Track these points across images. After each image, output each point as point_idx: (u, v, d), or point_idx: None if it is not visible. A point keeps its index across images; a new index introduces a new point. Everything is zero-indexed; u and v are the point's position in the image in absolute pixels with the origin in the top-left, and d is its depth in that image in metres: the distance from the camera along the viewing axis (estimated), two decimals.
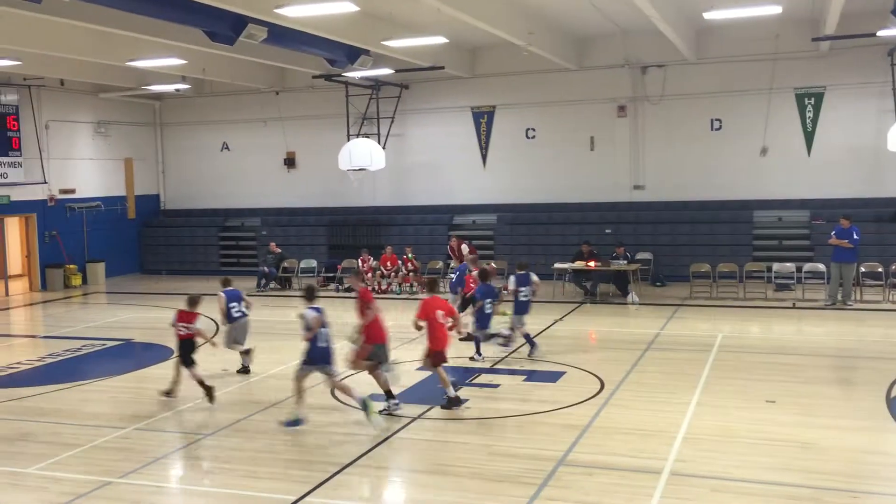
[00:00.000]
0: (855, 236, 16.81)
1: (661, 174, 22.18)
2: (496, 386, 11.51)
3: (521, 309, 13.20)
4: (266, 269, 22.13)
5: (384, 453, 8.94)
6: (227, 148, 26.46)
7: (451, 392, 10.32)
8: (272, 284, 22.19)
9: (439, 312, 10.33)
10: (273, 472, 8.36)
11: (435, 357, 10.36)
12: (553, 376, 11.88)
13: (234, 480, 8.22)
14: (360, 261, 21.37)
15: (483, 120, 23.85)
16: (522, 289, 13.17)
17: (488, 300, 12.65)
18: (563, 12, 18.71)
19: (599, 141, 22.70)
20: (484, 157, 23.90)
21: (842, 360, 12.95)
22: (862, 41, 18.14)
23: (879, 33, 16.33)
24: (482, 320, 12.71)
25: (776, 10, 14.93)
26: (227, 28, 14.73)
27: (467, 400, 10.55)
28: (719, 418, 9.73)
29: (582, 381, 11.59)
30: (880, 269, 18.04)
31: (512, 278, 13.44)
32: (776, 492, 7.54)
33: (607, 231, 21.62)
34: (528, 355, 13.05)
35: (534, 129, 23.31)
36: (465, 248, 20.41)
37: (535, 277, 13.38)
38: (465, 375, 12.09)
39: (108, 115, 25.52)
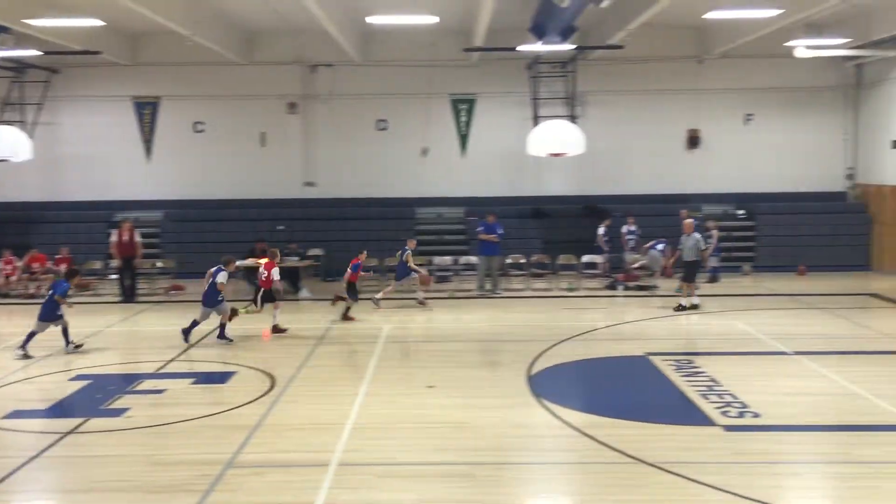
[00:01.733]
0: (499, 231, 18.62)
1: (332, 171, 22.70)
2: (161, 391, 10.97)
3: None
4: None
5: (31, 475, 8.10)
6: None
7: None
8: None
9: None
10: None
11: None
12: (223, 377, 11.62)
13: None
14: (1, 262, 19.10)
15: (147, 111, 22.61)
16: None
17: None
18: (232, 4, 18.33)
19: (271, 137, 22.64)
20: (148, 150, 22.68)
21: (492, 344, 14.21)
22: (507, 54, 20.06)
23: (519, 48, 18.17)
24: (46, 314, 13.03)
25: (433, 20, 15.98)
26: None
27: None
28: (385, 406, 10.21)
29: (253, 379, 11.48)
30: (523, 261, 20.13)
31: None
32: (436, 471, 8.09)
33: (280, 228, 21.61)
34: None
35: (202, 123, 22.59)
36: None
37: (221, 278, 13.98)
38: (126, 382, 11.38)
39: None
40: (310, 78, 22.40)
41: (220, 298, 13.95)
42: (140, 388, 11.19)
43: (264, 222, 21.77)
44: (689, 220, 17.21)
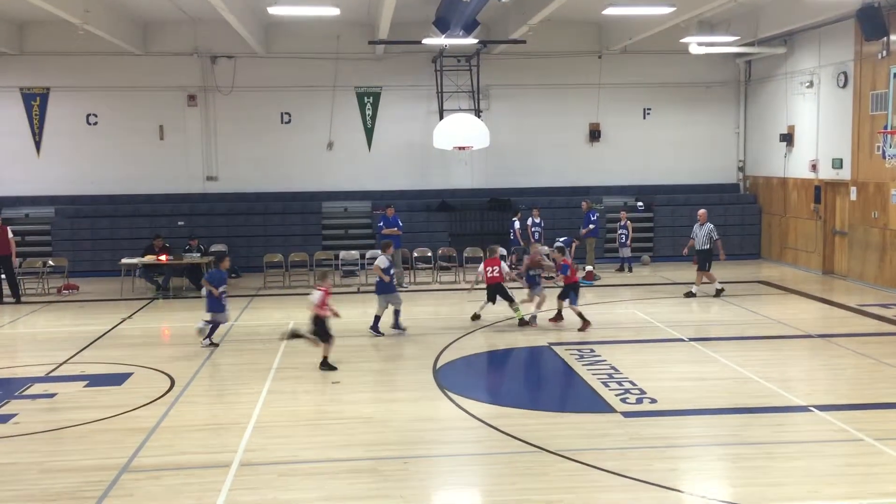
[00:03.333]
0: (399, 223, 18.62)
1: (235, 165, 22.23)
2: (52, 395, 10.52)
3: None
4: None
5: None
6: None
7: None
8: None
9: None
10: None
11: None
12: (119, 379, 11.21)
13: None
14: None
15: (35, 102, 21.61)
16: None
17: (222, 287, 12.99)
18: None
19: (169, 130, 21.99)
20: (38, 144, 21.69)
21: (399, 338, 14.13)
22: (412, 47, 20.08)
23: (424, 41, 18.18)
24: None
25: (334, 11, 15.79)
26: None
27: None
28: (289, 404, 10.07)
29: (151, 380, 11.13)
30: (429, 254, 20.18)
31: None
32: (340, 468, 8.01)
33: (180, 223, 21.05)
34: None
35: (96, 115, 21.77)
36: None
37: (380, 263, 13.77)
38: (13, 387, 10.85)
39: None
40: (210, 69, 21.83)
41: (388, 284, 13.60)
42: (29, 392, 10.68)
43: (163, 218, 21.16)
44: (703, 211, 17.60)
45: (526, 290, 15.00)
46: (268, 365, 11.91)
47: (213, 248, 20.44)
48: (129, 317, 15.84)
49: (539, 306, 14.65)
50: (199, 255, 18.73)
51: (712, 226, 17.29)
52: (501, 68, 22.14)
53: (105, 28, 18.12)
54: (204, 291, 13.16)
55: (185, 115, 22.00)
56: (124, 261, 18.41)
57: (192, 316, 16.23)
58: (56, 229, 21.03)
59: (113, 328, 14.75)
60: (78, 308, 16.89)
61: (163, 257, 18.30)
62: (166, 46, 21.54)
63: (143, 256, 18.49)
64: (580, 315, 13.90)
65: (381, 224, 18.68)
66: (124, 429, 9.13)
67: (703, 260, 17.17)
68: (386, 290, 13.77)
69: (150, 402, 10.08)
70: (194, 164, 22.12)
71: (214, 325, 13.10)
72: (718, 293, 17.02)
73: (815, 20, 18.40)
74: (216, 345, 13.07)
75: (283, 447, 8.55)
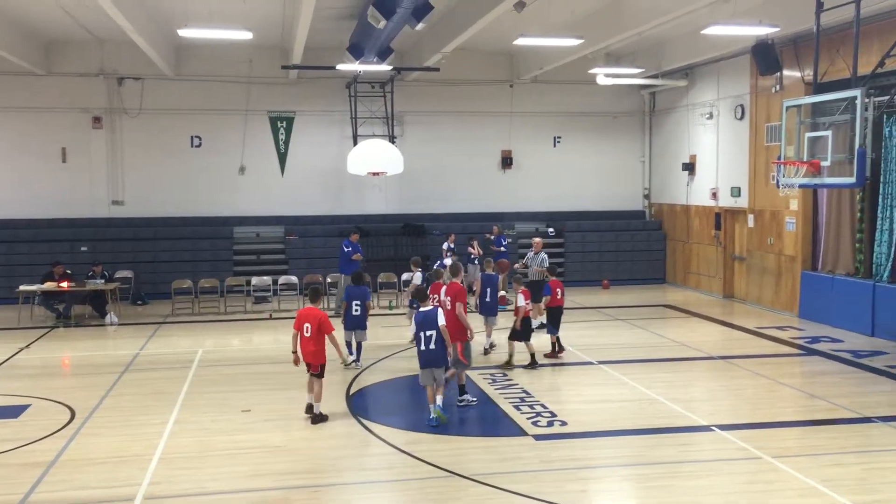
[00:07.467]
0: (360, 249, 18.30)
1: (142, 189, 21.65)
2: None
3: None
4: None
5: None
6: None
7: None
8: None
9: None
10: None
11: None
12: (14, 411, 10.71)
13: None
14: None
15: None
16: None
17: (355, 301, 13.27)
18: (27, 11, 17.12)
19: (73, 153, 21.28)
20: None
21: None
22: (326, 72, 20.07)
23: (339, 67, 18.20)
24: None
25: (247, 35, 15.63)
26: None
27: None
28: (196, 434, 9.80)
29: (49, 412, 10.67)
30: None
31: None
32: (250, 498, 7.85)
33: (83, 249, 20.32)
34: None
35: None
36: None
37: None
38: None
39: None
40: (116, 91, 21.27)
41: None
42: None
43: (65, 243, 20.38)
44: (538, 239, 17.04)
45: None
46: (175, 394, 11.59)
47: (119, 274, 19.81)
48: (27, 346, 15.15)
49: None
50: (102, 281, 18.07)
51: (545, 255, 16.53)
52: (415, 95, 22.33)
53: (4, 46, 17.46)
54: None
55: (90, 137, 21.33)
56: (22, 288, 17.64)
57: (94, 345, 15.70)
58: None
59: (9, 358, 14.09)
60: None
61: (64, 284, 17.61)
62: (70, 67, 20.90)
63: (42, 283, 17.76)
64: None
65: (350, 249, 18.09)
66: (20, 463, 8.72)
67: (536, 290, 15.10)
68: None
69: (49, 436, 9.66)
70: (99, 187, 21.44)
71: None
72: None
73: (714, 55, 19.27)
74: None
75: (189, 479, 8.32)
